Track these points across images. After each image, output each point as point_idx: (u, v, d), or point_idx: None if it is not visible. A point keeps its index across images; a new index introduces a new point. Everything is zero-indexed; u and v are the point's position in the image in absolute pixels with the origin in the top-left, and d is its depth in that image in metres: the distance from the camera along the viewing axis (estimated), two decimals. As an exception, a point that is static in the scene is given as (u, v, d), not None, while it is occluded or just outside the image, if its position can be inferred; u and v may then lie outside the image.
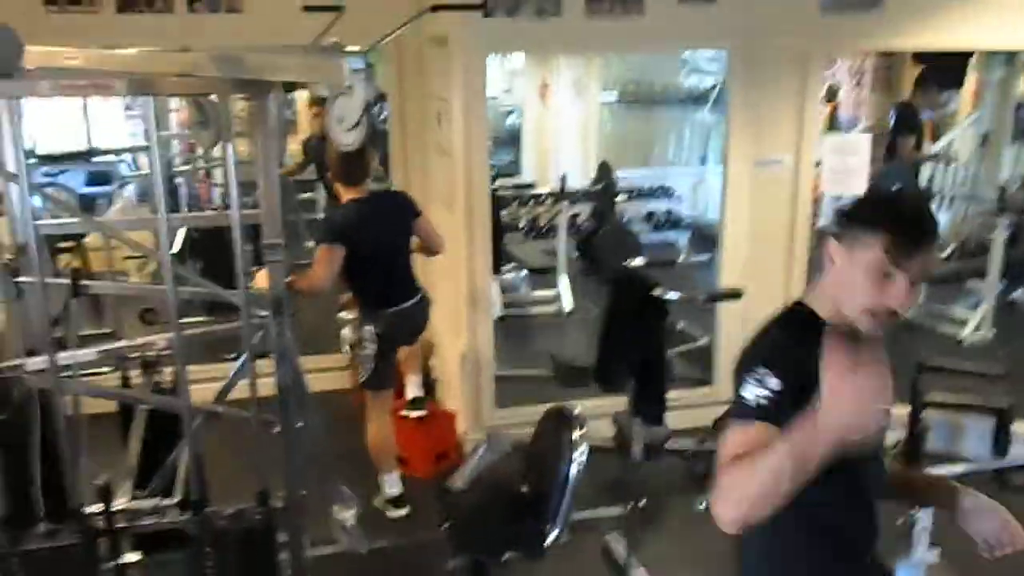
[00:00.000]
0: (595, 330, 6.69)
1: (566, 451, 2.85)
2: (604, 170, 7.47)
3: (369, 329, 3.83)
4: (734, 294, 3.24)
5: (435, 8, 3.37)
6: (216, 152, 6.01)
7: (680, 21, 4.07)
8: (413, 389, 4.41)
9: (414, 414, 4.38)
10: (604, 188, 7.30)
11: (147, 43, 2.21)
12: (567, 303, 6.64)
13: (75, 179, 7.95)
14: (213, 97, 2.56)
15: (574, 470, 2.80)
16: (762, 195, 4.30)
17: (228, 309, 4.18)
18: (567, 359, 5.03)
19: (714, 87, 8.87)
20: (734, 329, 4.42)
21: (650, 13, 4.02)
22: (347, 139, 2.69)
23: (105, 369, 3.59)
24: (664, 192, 8.78)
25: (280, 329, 2.70)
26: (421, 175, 4.76)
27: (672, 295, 2.90)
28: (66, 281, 2.83)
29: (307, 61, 2.05)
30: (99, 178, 8.33)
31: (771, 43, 4.09)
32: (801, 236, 4.36)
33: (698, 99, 9.33)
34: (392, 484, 3.98)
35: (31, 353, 2.72)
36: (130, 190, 8.26)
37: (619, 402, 3.68)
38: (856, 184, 4.16)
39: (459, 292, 4.30)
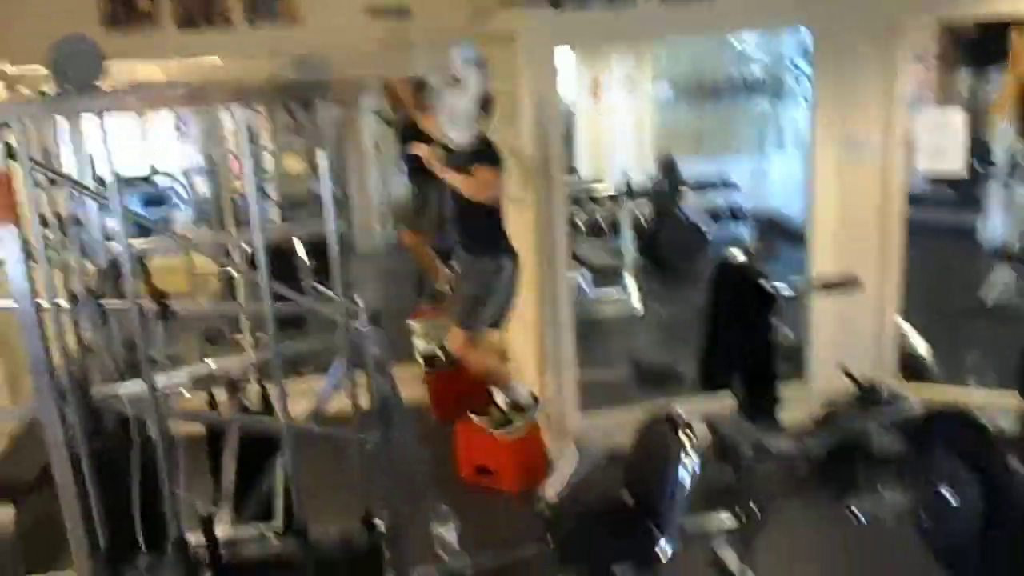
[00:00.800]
0: (667, 331, 6.70)
1: (675, 457, 2.69)
2: (667, 164, 7.27)
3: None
4: (850, 282, 3.04)
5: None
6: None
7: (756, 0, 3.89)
8: (506, 396, 4.19)
9: (505, 432, 4.11)
10: (668, 182, 7.11)
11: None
12: (636, 304, 6.46)
13: (133, 202, 8.03)
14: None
15: (685, 477, 2.64)
16: (851, 179, 4.08)
17: (298, 325, 4.09)
18: (647, 360, 4.86)
19: (772, 76, 8.65)
20: (826, 322, 4.23)
21: (726, -6, 3.85)
22: (457, 135, 2.56)
23: (185, 393, 3.53)
24: (724, 184, 8.55)
25: (378, 340, 2.60)
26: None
27: (781, 286, 2.73)
28: (151, 305, 2.75)
29: (409, 54, 1.92)
30: (154, 200, 8.41)
31: (855, 15, 3.88)
32: (894, 221, 4.13)
33: (752, 88, 9.10)
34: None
35: (121, 378, 2.65)
36: (186, 211, 8.31)
37: (710, 403, 3.50)
38: (952, 161, 3.92)
39: (534, 294, 4.16)
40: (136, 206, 7.99)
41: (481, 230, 3.87)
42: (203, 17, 3.93)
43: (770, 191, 8.64)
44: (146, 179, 5.84)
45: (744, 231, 8.34)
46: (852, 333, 4.21)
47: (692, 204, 7.98)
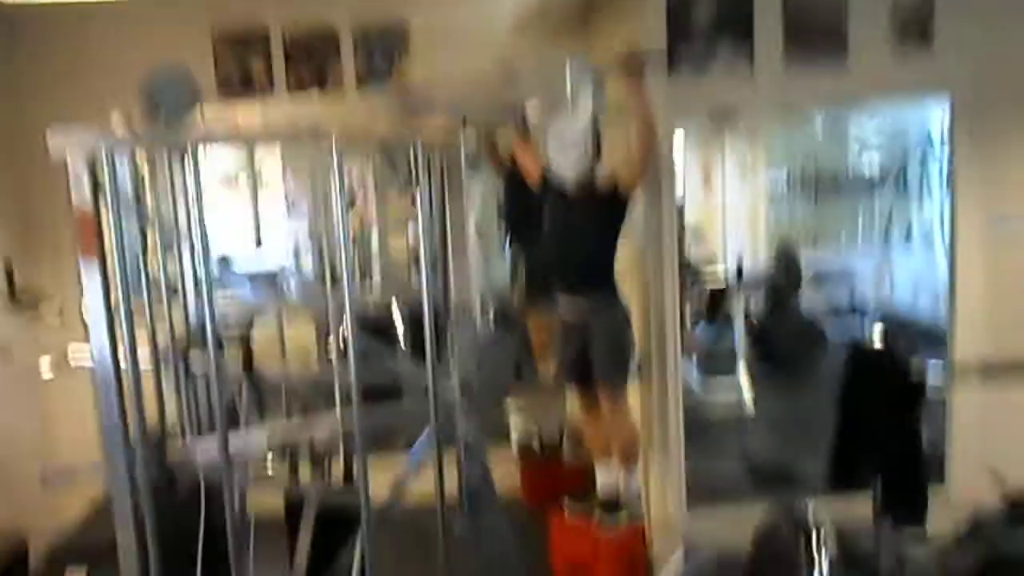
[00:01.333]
0: (781, 430, 6.22)
1: (803, 566, 2.32)
2: (785, 251, 6.90)
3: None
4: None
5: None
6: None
7: (892, 67, 3.61)
8: (612, 478, 3.83)
9: (606, 525, 3.71)
10: (787, 271, 6.72)
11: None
12: (748, 400, 6.02)
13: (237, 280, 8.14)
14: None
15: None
16: (1001, 261, 3.67)
17: (393, 396, 3.82)
18: (762, 457, 4.45)
19: (898, 163, 8.24)
20: (969, 419, 3.75)
21: (856, 61, 3.59)
22: (567, 167, 2.32)
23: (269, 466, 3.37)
24: (845, 276, 8.06)
25: (471, 415, 2.37)
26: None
27: (934, 377, 2.36)
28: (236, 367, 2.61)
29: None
30: (259, 280, 8.50)
31: (1000, 87, 3.56)
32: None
33: (874, 179, 8.68)
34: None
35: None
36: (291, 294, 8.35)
37: (838, 505, 3.09)
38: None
39: (640, 380, 3.87)
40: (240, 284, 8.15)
41: (598, 264, 3.56)
42: (316, 81, 3.94)
43: (896, 286, 8.09)
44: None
45: (867, 327, 7.78)
46: (1001, 434, 3.71)
47: (809, 298, 7.55)
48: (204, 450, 2.38)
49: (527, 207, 4.86)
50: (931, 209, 8.25)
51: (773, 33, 3.58)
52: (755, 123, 7.98)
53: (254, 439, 2.44)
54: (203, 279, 2.34)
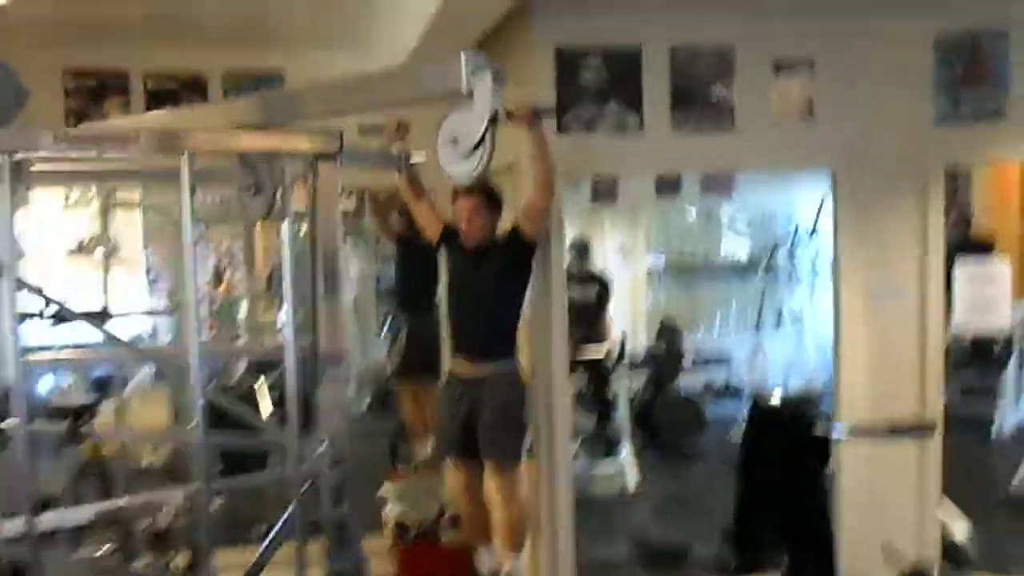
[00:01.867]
0: (667, 508, 6.08)
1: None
2: (668, 331, 6.89)
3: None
4: (926, 427, 2.53)
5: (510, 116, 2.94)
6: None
7: (775, 139, 3.64)
8: (493, 566, 3.53)
9: None
10: (668, 350, 6.70)
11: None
12: (631, 479, 5.84)
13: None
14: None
15: None
16: (882, 332, 3.66)
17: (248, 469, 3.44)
18: (652, 539, 4.23)
19: (768, 250, 8.54)
20: (858, 494, 3.66)
21: (742, 131, 3.59)
22: (459, 168, 2.09)
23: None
24: (722, 360, 8.17)
25: (339, 487, 2.05)
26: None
27: (838, 432, 2.22)
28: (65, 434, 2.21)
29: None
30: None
31: (880, 161, 3.63)
32: (933, 377, 3.66)
33: (746, 266, 8.96)
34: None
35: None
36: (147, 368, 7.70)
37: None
38: (996, 318, 3.53)
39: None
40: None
41: (503, 322, 3.38)
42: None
43: (768, 368, 8.24)
44: (100, 317, 5.39)
45: (740, 408, 7.84)
46: (887, 510, 3.64)
47: (689, 380, 7.57)
48: (11, 528, 1.96)
49: (416, 273, 4.61)
50: (800, 294, 8.57)
51: (661, 97, 3.54)
52: (635, 203, 8.13)
53: (71, 517, 2.03)
54: (12, 329, 1.97)
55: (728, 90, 3.58)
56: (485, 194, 3.38)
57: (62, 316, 2.59)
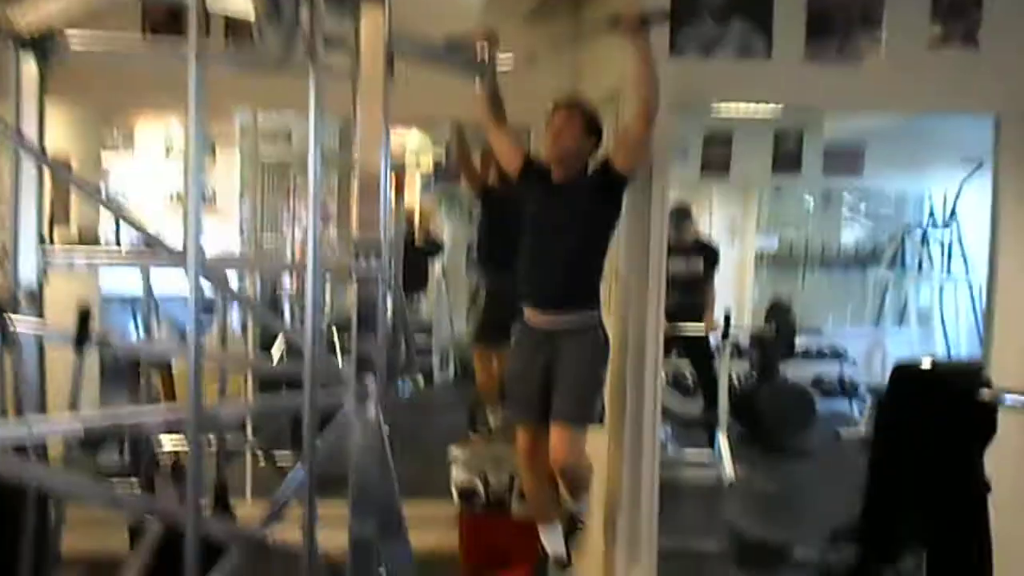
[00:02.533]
0: (764, 504, 5.54)
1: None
2: (779, 310, 6.29)
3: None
4: None
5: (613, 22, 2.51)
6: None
7: (929, 76, 3.07)
8: (559, 544, 3.16)
9: None
10: (777, 330, 6.10)
11: None
12: (728, 469, 5.32)
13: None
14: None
15: None
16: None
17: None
18: (747, 533, 3.74)
19: (891, 241, 7.80)
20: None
21: (890, 60, 3.04)
22: None
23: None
24: (835, 354, 7.49)
25: (365, 416, 1.68)
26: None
27: (1013, 401, 1.71)
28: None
29: None
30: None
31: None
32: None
33: (868, 255, 8.22)
34: None
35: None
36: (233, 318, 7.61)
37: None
38: None
39: (608, 446, 3.21)
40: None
41: (584, 268, 2.96)
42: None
43: (888, 368, 7.50)
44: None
45: (855, 408, 7.17)
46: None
47: (793, 372, 6.95)
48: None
49: (499, 229, 4.19)
50: (928, 290, 7.79)
51: (795, 18, 3.03)
52: (748, 178, 7.53)
53: (63, 425, 1.73)
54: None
55: (875, 12, 3.04)
56: (582, 112, 2.94)
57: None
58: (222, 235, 7.04)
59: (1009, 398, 1.71)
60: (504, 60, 2.60)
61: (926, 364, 1.96)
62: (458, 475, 3.88)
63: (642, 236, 3.07)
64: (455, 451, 3.98)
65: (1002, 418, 1.75)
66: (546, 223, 2.98)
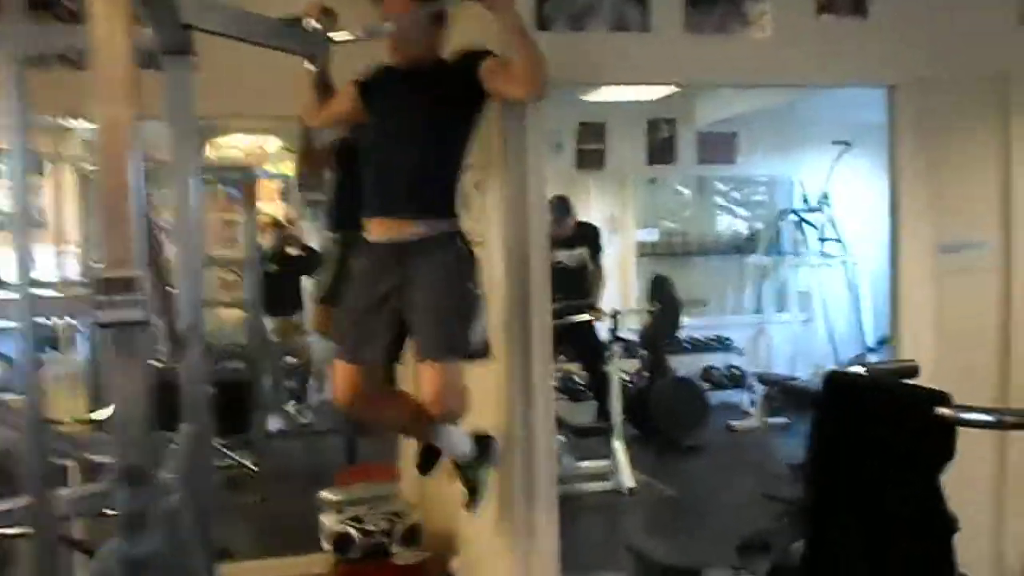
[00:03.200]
0: (668, 512, 5.28)
1: None
2: (661, 287, 6.05)
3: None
4: None
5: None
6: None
7: (819, 43, 2.82)
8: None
9: None
10: (662, 309, 5.85)
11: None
12: (626, 478, 5.02)
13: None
14: None
15: None
16: (954, 293, 2.87)
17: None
18: (652, 552, 3.42)
19: (771, 224, 7.75)
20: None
21: (777, 31, 2.77)
22: None
23: None
24: (721, 344, 7.38)
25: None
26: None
27: (978, 418, 1.41)
28: None
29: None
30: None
31: (954, 75, 2.82)
32: (1020, 345, 2.88)
33: (748, 239, 8.18)
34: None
35: None
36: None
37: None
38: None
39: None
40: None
41: (447, 168, 2.45)
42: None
43: (773, 355, 7.47)
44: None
45: (746, 398, 7.07)
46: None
47: (682, 364, 6.78)
48: None
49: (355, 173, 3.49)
50: (806, 274, 7.79)
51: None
52: (624, 171, 7.32)
53: None
54: None
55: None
56: None
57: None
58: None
59: (972, 416, 1.40)
60: (341, 34, 2.16)
61: (861, 370, 1.65)
62: (329, 522, 3.40)
63: (520, 231, 2.67)
64: (324, 495, 3.49)
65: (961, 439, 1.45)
66: (389, 117, 2.45)
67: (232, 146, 8.82)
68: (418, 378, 2.38)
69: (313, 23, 2.04)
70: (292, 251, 6.94)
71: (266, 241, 6.68)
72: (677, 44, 2.71)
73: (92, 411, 4.51)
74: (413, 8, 2.36)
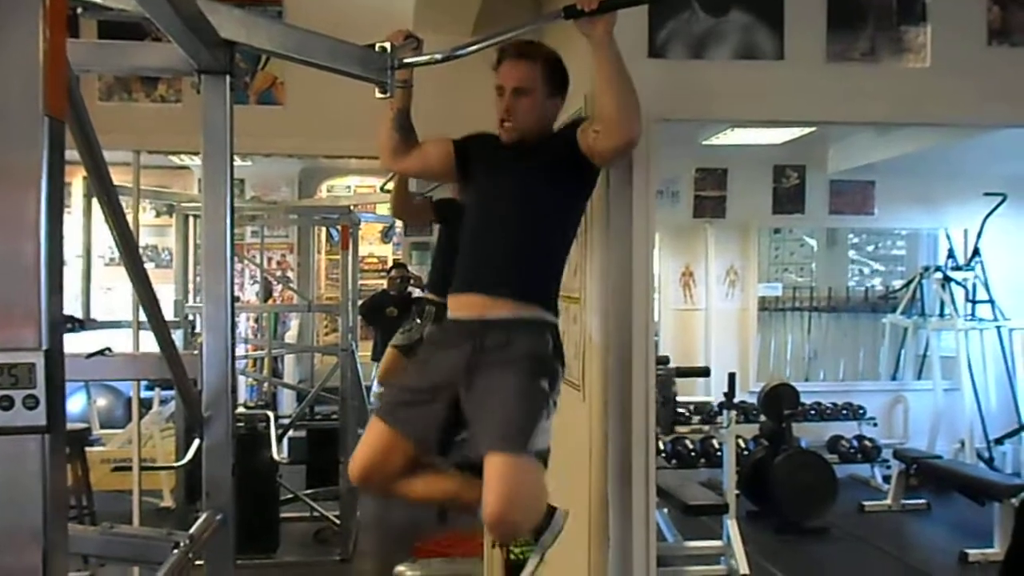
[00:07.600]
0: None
1: None
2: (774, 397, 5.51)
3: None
4: None
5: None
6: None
7: (988, 76, 2.36)
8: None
9: None
10: (780, 397, 5.33)
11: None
12: (740, 562, 4.49)
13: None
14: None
15: None
16: None
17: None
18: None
19: (907, 285, 7.06)
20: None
21: (938, 61, 2.33)
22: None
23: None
24: (851, 412, 6.70)
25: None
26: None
27: None
28: None
29: None
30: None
31: None
32: None
33: (884, 297, 7.50)
34: None
35: None
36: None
37: None
38: None
39: (590, 538, 2.41)
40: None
41: (549, 248, 2.18)
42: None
43: (911, 427, 6.74)
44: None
45: (878, 473, 6.38)
46: None
47: (806, 432, 6.17)
48: None
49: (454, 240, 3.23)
50: (951, 337, 7.00)
51: (813, 9, 2.33)
52: (746, 220, 6.82)
53: None
54: None
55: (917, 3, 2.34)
56: (544, 59, 2.15)
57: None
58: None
59: None
60: (411, 57, 1.88)
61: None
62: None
63: (622, 285, 2.31)
64: (401, 570, 3.18)
65: None
66: (490, 187, 2.20)
67: (345, 187, 8.85)
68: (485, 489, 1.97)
69: (387, 45, 1.78)
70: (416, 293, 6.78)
71: (389, 284, 6.50)
72: (816, 75, 2.31)
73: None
74: (540, 98, 2.14)
